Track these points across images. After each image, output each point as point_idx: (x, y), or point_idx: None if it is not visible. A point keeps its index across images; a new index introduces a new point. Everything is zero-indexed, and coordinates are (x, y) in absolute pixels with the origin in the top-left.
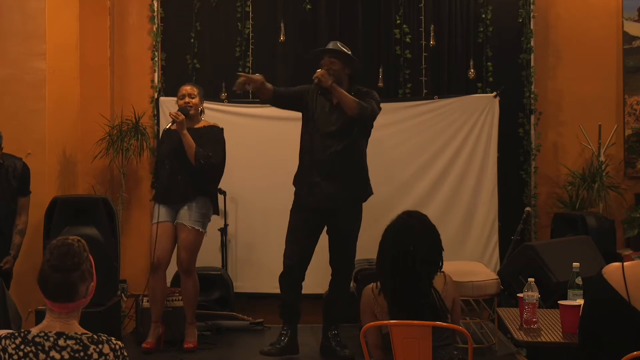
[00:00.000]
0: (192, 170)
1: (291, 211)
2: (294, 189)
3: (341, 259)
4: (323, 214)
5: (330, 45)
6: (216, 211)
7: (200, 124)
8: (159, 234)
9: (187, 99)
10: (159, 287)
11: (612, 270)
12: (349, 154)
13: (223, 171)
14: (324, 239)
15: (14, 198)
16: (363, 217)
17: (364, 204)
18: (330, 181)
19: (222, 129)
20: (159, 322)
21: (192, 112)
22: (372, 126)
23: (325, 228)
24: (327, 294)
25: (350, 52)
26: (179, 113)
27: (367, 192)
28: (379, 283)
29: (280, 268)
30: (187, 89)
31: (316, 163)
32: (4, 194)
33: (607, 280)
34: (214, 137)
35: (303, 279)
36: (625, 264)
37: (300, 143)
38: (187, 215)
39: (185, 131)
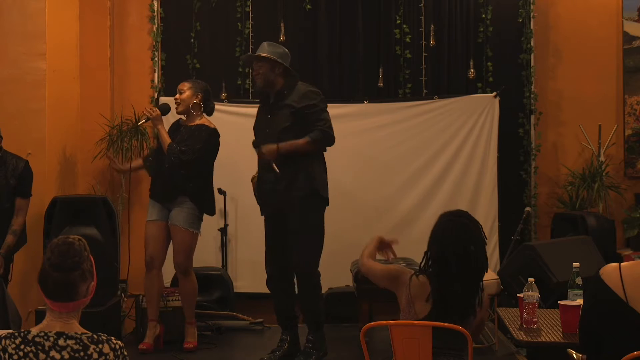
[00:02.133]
0: (171, 169)
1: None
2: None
3: (297, 264)
4: (275, 215)
5: (262, 51)
6: (206, 211)
7: (197, 122)
8: (151, 233)
9: (176, 95)
10: (154, 286)
11: (609, 271)
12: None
13: (201, 170)
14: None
15: (9, 197)
16: (363, 217)
17: (362, 205)
18: (274, 182)
19: (214, 129)
20: (156, 321)
21: (180, 108)
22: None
23: None
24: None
25: (282, 51)
26: (154, 108)
27: (312, 188)
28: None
29: None
30: (180, 85)
31: (261, 167)
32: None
33: (604, 281)
34: (196, 135)
35: (291, 283)
36: (622, 264)
37: None
38: (180, 217)
39: (160, 126)
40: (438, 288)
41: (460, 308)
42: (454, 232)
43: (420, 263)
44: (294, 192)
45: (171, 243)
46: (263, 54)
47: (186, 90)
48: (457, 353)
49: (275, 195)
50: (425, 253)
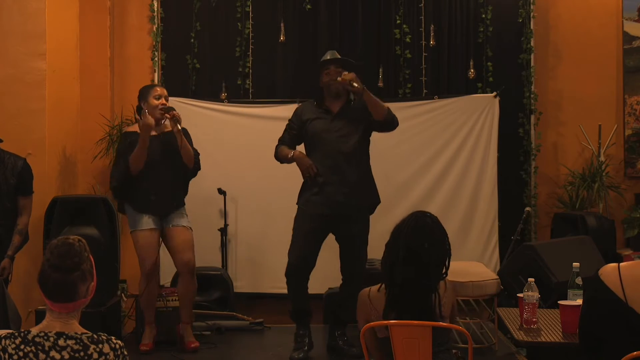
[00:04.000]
0: (178, 173)
1: (298, 216)
2: (301, 195)
3: (355, 266)
4: (333, 220)
5: (329, 55)
6: None
7: (169, 127)
8: (149, 241)
9: (163, 101)
10: (154, 292)
11: (608, 271)
12: (358, 159)
13: None
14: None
15: (10, 196)
16: None
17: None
18: (341, 186)
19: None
20: (154, 323)
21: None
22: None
23: (334, 236)
24: (339, 297)
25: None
26: (178, 114)
27: (376, 199)
28: (381, 285)
29: (280, 267)
30: (161, 90)
31: (326, 169)
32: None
33: (603, 282)
34: (190, 139)
35: (307, 281)
36: (621, 264)
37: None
38: (182, 218)
39: (181, 133)
40: (390, 278)
41: (414, 301)
42: (410, 226)
43: (383, 255)
44: (362, 202)
45: (169, 245)
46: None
47: (168, 97)
48: (444, 349)
49: (344, 202)
50: (385, 245)
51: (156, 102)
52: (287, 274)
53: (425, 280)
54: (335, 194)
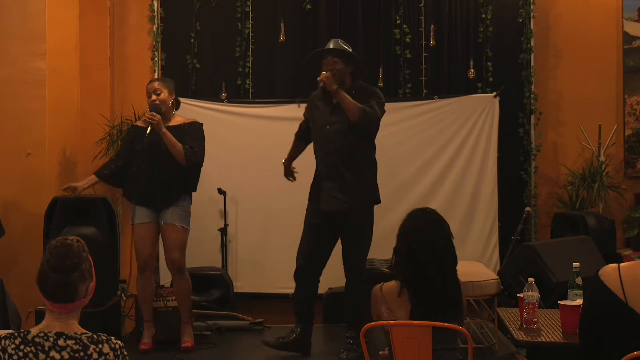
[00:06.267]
0: (173, 170)
1: (307, 210)
2: (310, 189)
3: (350, 265)
4: (331, 216)
5: (332, 44)
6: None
7: (179, 121)
8: (143, 236)
9: (153, 97)
10: (148, 288)
11: (608, 271)
12: (353, 155)
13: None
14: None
15: None
16: None
17: None
18: (332, 183)
19: (202, 124)
20: (152, 322)
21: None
22: (375, 129)
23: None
24: (344, 297)
25: (351, 49)
26: (154, 114)
27: (372, 197)
28: (396, 281)
29: (280, 267)
30: (154, 85)
31: (321, 165)
32: None
33: (603, 282)
34: (197, 134)
35: (317, 279)
36: (621, 265)
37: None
38: (174, 215)
39: (164, 130)
40: (410, 283)
41: (439, 301)
42: (422, 226)
43: (391, 260)
44: (358, 198)
45: (161, 242)
46: (345, 47)
47: (163, 89)
48: (449, 348)
49: (339, 199)
50: (395, 250)
51: (149, 100)
52: (295, 275)
53: (449, 276)
54: (329, 189)
